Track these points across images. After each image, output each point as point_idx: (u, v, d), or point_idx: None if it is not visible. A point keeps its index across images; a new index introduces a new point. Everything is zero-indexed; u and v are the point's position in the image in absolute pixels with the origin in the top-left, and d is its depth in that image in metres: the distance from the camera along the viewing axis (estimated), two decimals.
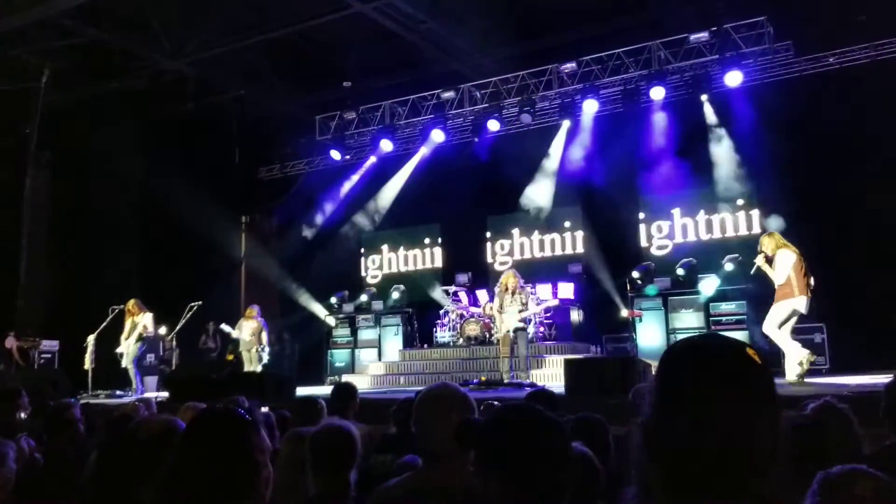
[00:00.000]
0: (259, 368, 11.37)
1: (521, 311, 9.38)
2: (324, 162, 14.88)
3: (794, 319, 7.19)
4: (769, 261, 7.27)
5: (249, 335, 11.87)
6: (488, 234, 14.59)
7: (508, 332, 9.33)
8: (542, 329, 11.78)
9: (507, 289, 9.42)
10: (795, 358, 7.03)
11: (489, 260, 14.44)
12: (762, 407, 1.00)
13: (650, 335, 11.18)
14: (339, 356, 13.66)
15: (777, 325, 7.10)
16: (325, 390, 11.47)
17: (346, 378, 12.17)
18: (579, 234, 13.73)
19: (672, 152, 11.99)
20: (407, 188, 14.18)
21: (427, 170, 14.01)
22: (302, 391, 9.30)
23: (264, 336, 11.66)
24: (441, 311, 12.97)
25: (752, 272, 7.73)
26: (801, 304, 7.05)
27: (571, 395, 6.62)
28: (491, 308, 11.35)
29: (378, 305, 14.00)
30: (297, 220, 15.14)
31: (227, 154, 15.69)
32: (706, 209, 12.46)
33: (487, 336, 11.96)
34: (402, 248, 15.50)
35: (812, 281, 7.17)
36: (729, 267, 10.79)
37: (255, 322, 11.76)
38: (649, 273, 11.70)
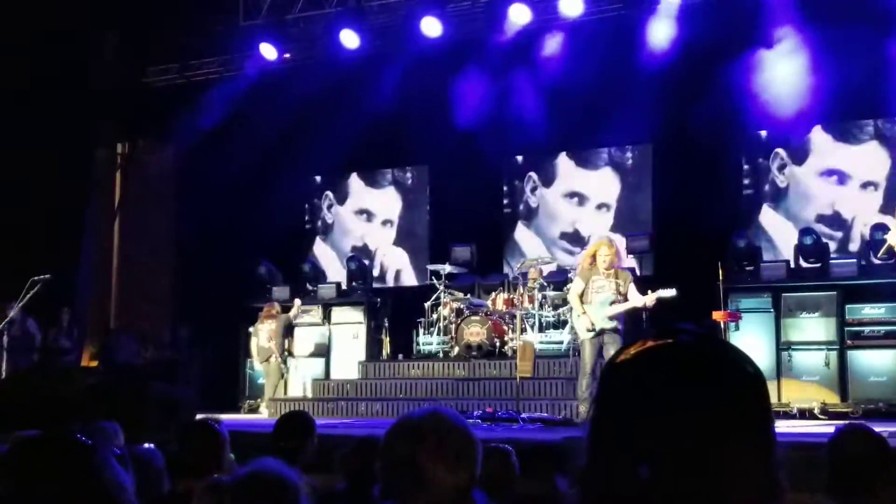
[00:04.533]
0: (279, 388, 12.59)
1: (614, 303, 9.23)
2: (251, 62, 14.83)
3: None
4: None
5: (268, 339, 12.66)
6: (506, 188, 14.76)
7: (593, 332, 9.18)
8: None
9: (595, 263, 9.28)
10: None
11: (509, 221, 14.64)
12: (750, 439, 1.11)
13: (749, 350, 10.79)
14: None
15: None
16: (240, 419, 11.92)
17: (273, 405, 12.46)
18: (647, 186, 13.86)
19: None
20: (381, 109, 14.07)
21: (411, 82, 13.88)
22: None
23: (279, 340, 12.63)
24: (427, 305, 13.06)
25: (879, 254, 7.68)
26: None
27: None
28: (523, 298, 11.48)
29: (328, 291, 14.06)
30: (207, 151, 14.99)
31: (96, 46, 15.49)
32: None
33: (498, 344, 12.05)
34: (368, 201, 15.71)
35: None
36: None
37: (274, 322, 12.75)
38: (749, 250, 11.81)
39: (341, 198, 16.03)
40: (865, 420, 10.01)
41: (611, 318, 9.17)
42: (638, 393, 1.13)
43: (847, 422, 3.96)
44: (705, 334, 1.19)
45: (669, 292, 9.27)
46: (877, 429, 3.55)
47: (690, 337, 1.18)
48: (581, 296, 9.34)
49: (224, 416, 9.89)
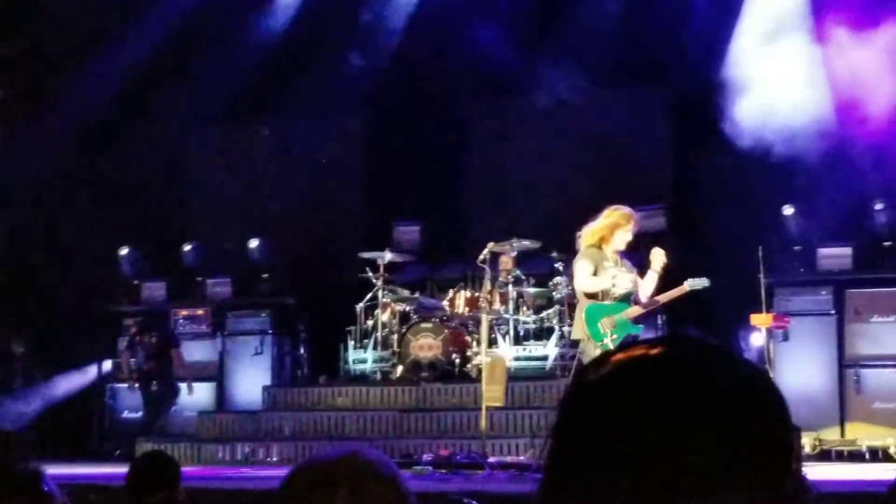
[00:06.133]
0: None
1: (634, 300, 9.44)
2: None
3: None
4: None
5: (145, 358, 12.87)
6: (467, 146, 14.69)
7: (597, 345, 9.19)
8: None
9: (605, 243, 9.32)
10: None
11: (471, 190, 14.66)
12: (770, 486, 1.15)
13: (802, 367, 11.37)
14: (131, 400, 13.67)
15: None
16: (100, 471, 11.44)
17: (149, 446, 11.98)
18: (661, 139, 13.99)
19: None
20: (293, 35, 13.93)
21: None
22: (56, 471, 9.25)
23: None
24: (359, 308, 13.07)
25: None
26: None
27: None
28: (492, 297, 11.51)
29: (221, 288, 14.07)
30: (43, 89, 14.85)
31: None
32: None
33: (458, 361, 12.12)
34: (277, 162, 15.47)
35: None
36: None
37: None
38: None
39: (233, 157, 15.82)
40: None
41: (636, 321, 9.28)
42: (611, 424, 1.15)
43: None
44: (711, 344, 1.22)
45: (702, 282, 9.42)
46: None
47: (689, 346, 1.22)
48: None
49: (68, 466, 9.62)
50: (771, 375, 10.09)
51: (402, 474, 2.21)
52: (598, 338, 9.10)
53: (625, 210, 9.39)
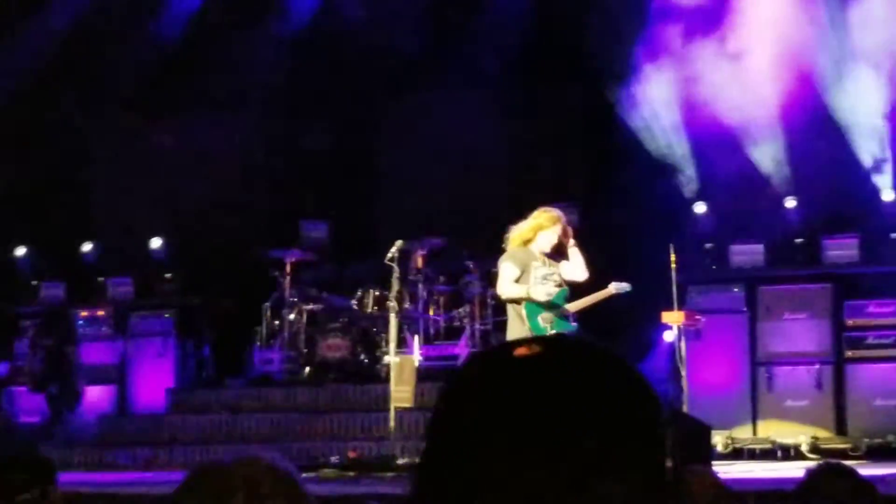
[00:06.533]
0: None
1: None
2: None
3: None
4: None
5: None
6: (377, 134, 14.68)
7: (552, 329, 9.14)
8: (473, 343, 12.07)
9: (531, 244, 9.21)
10: None
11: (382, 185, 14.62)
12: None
13: (714, 366, 11.47)
14: (30, 404, 13.38)
15: None
16: None
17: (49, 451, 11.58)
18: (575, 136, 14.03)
19: None
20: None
21: None
22: None
23: None
24: (266, 307, 13.11)
25: None
26: None
27: None
28: (402, 296, 11.40)
29: (123, 289, 13.95)
30: None
31: None
32: None
33: (367, 361, 12.21)
34: (178, 153, 15.10)
35: None
36: None
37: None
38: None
39: (136, 153, 15.45)
40: (869, 460, 10.15)
41: (571, 320, 9.29)
42: (484, 422, 1.19)
43: (820, 461, 4.22)
44: (588, 344, 1.27)
45: (625, 286, 9.51)
46: (878, 472, 3.45)
47: (566, 346, 1.27)
48: (528, 293, 9.15)
49: None
50: (683, 374, 10.28)
51: (302, 478, 2.19)
52: (539, 333, 8.86)
53: (552, 212, 9.34)
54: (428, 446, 1.26)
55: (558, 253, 9.27)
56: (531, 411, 1.19)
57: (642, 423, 1.23)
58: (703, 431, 8.57)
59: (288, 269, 12.97)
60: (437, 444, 1.26)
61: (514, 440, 1.17)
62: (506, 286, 9.16)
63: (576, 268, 9.24)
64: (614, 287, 9.42)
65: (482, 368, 1.27)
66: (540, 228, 9.10)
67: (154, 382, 13.20)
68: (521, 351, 1.25)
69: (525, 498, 1.16)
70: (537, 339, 1.27)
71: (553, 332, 8.87)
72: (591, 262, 9.85)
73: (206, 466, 2.22)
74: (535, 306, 9.05)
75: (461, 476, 1.20)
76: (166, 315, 13.54)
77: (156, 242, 14.21)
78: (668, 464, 1.25)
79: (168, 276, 14.03)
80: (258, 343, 12.94)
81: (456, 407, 1.26)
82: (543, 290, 9.04)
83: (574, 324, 9.37)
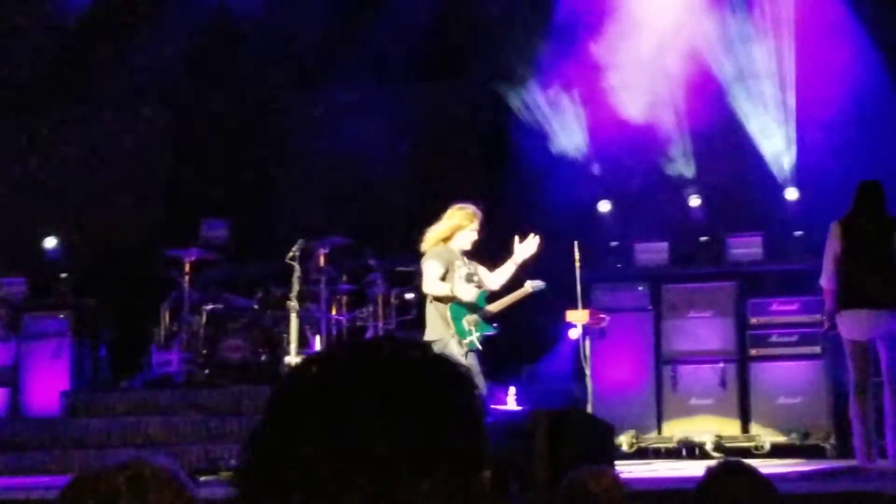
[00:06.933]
0: None
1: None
2: None
3: None
4: None
5: None
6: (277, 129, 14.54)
7: (463, 342, 9.06)
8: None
9: (450, 243, 9.16)
10: None
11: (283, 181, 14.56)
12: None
13: (619, 364, 11.56)
14: None
15: None
16: None
17: None
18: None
19: None
20: None
21: None
22: None
23: None
24: (164, 308, 12.94)
25: None
26: None
27: None
28: (304, 295, 11.45)
29: (16, 289, 13.70)
30: None
31: None
32: None
33: (268, 361, 12.11)
34: (76, 147, 14.99)
35: None
36: None
37: None
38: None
39: (27, 148, 15.23)
40: (774, 458, 10.24)
41: (492, 322, 9.23)
42: (299, 425, 1.25)
43: (719, 459, 4.42)
44: (406, 343, 1.31)
45: (540, 284, 9.49)
46: (782, 469, 3.44)
47: (380, 347, 1.31)
48: (452, 292, 9.07)
49: None
50: (587, 373, 10.26)
51: (189, 480, 2.20)
52: (464, 335, 9.01)
53: (468, 209, 9.23)
54: (248, 450, 1.29)
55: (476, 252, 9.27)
56: (340, 414, 1.22)
57: (453, 427, 1.25)
58: (607, 431, 8.53)
59: (187, 268, 12.82)
60: (258, 448, 1.28)
61: (323, 443, 1.21)
62: (432, 284, 9.07)
63: (497, 276, 9.24)
64: (530, 285, 9.40)
65: (300, 373, 1.30)
66: (458, 228, 9.04)
67: (49, 385, 12.96)
68: (339, 352, 1.30)
69: (333, 498, 1.19)
70: (356, 342, 1.34)
71: (477, 334, 8.99)
72: (494, 262, 9.86)
73: (88, 471, 2.20)
74: (459, 308, 8.99)
75: (280, 478, 1.23)
76: (61, 316, 13.31)
77: (50, 241, 14.01)
78: (487, 473, 1.25)
79: (63, 275, 13.78)
80: (156, 344, 12.76)
81: (274, 411, 1.28)
82: (468, 290, 9.01)
83: (494, 325, 9.29)
